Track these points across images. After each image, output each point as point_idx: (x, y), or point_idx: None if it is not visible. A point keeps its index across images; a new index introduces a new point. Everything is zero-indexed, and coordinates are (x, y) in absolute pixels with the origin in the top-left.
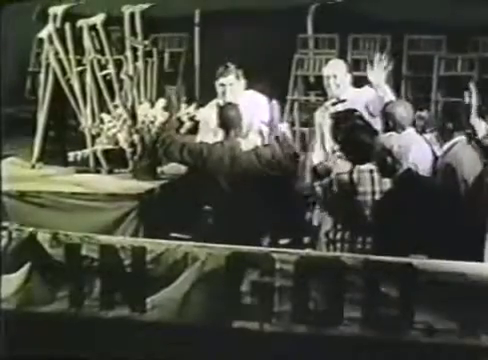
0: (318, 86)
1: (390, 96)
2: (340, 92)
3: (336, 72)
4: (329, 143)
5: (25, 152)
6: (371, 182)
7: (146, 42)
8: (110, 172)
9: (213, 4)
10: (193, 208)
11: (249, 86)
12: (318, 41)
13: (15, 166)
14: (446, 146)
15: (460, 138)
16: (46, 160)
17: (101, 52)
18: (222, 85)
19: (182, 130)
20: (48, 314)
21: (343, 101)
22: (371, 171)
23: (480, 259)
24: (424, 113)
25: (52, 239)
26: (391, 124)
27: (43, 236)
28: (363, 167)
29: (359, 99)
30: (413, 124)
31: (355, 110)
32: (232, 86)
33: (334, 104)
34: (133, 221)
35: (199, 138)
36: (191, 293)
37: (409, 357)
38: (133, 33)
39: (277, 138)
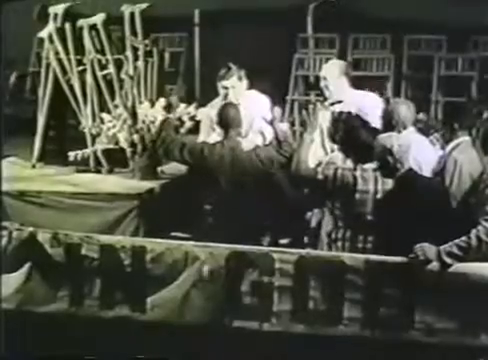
0: (318, 86)
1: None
2: (335, 94)
3: (328, 75)
4: (328, 142)
5: (25, 152)
6: (374, 181)
7: (146, 42)
8: (110, 172)
9: (213, 4)
10: (193, 208)
11: (249, 86)
12: (318, 41)
13: (15, 166)
14: (450, 146)
15: (464, 138)
16: (46, 160)
17: (101, 52)
18: (225, 87)
19: (182, 130)
20: (48, 314)
21: (340, 102)
22: (374, 170)
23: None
24: (422, 115)
25: (52, 239)
26: (394, 123)
27: (43, 236)
28: (366, 166)
29: (357, 102)
30: (414, 124)
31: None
32: (234, 89)
33: (332, 104)
34: (133, 221)
35: (200, 138)
36: (191, 293)
37: (409, 357)
38: (133, 33)
39: (277, 138)
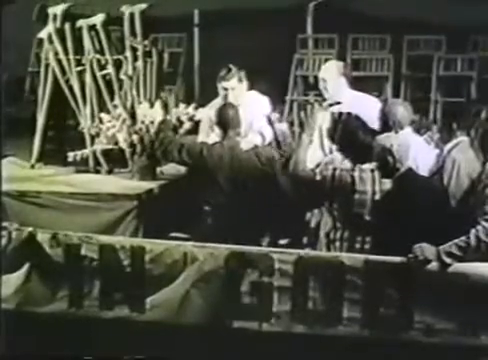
0: (317, 86)
1: None
2: (334, 95)
3: (327, 76)
4: (327, 143)
5: (24, 152)
6: (372, 181)
7: (146, 42)
8: (109, 172)
9: (212, 4)
10: (192, 208)
11: (249, 87)
12: (318, 41)
13: (15, 166)
14: (449, 145)
15: (463, 138)
16: (45, 160)
17: (101, 52)
18: (225, 89)
19: (181, 130)
20: (47, 314)
21: (339, 103)
22: (372, 170)
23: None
24: (415, 117)
25: (52, 239)
26: (391, 123)
27: (42, 236)
28: (365, 166)
29: (356, 103)
30: (411, 124)
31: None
32: (235, 90)
33: (331, 105)
34: (132, 221)
35: (199, 138)
36: (190, 293)
37: (409, 357)
38: (133, 33)
39: (276, 138)
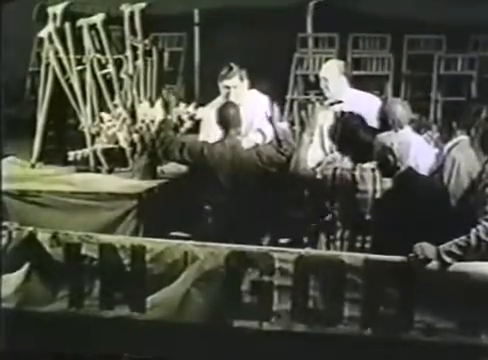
0: (318, 85)
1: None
2: (335, 94)
3: (328, 75)
4: (328, 143)
5: (25, 151)
6: (373, 180)
7: (146, 41)
8: (110, 171)
9: (212, 3)
10: (193, 207)
11: (250, 86)
12: (318, 40)
13: (15, 165)
14: (449, 145)
15: (463, 137)
16: (46, 159)
17: (101, 51)
18: (226, 87)
19: (182, 129)
20: (48, 314)
21: (340, 102)
22: (373, 170)
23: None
24: (413, 115)
25: (52, 238)
26: (390, 122)
27: (43, 235)
28: (365, 165)
29: (357, 102)
30: (410, 123)
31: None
32: (236, 88)
33: (332, 104)
34: (133, 220)
35: (201, 137)
36: (191, 292)
37: (409, 356)
38: (133, 32)
39: (277, 137)
